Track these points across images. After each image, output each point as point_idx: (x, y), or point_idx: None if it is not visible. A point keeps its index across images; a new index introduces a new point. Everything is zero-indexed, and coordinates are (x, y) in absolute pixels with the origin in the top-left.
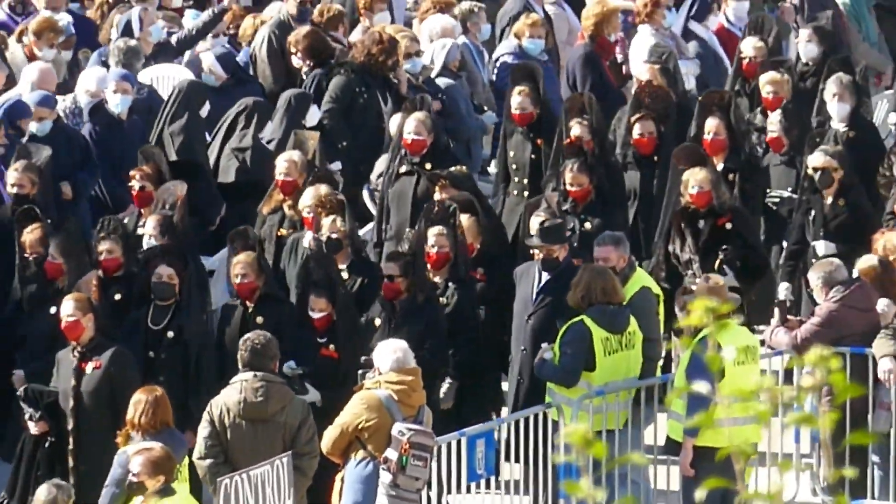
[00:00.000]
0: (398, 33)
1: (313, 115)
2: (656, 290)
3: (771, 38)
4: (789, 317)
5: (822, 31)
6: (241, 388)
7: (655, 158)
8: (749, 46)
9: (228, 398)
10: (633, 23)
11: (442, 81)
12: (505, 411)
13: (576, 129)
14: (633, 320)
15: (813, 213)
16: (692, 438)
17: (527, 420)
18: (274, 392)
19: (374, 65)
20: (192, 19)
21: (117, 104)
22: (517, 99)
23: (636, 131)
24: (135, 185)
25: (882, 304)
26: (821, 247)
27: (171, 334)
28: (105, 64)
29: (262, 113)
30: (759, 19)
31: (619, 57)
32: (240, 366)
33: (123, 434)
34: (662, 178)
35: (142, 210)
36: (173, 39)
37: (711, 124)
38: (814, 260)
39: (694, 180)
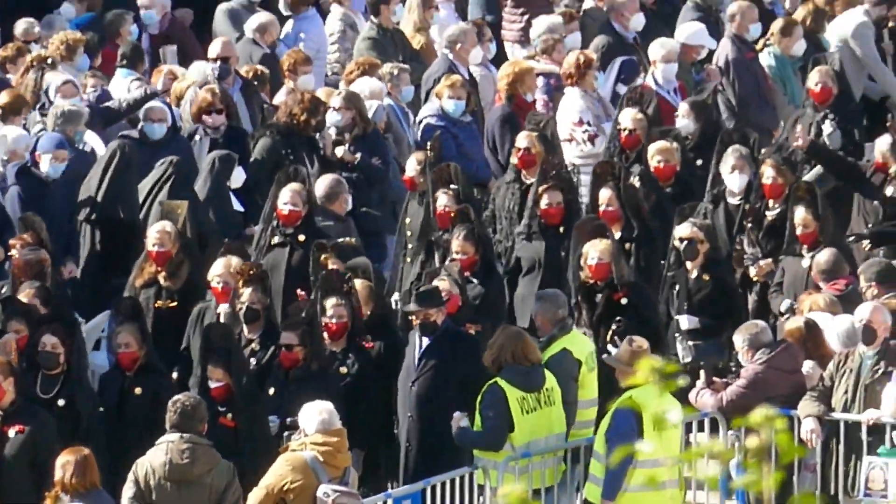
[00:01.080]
0: (323, 93)
1: (238, 177)
2: (580, 354)
3: (650, 109)
4: (715, 378)
5: (699, 106)
6: (168, 449)
7: (562, 229)
8: (627, 118)
9: (154, 459)
10: (555, 85)
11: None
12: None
13: (442, 198)
14: (550, 377)
15: (677, 286)
16: (609, 502)
17: (453, 482)
18: (200, 454)
19: (297, 126)
20: (123, 77)
21: (50, 169)
22: (412, 163)
23: (544, 201)
24: (14, 253)
25: (808, 365)
26: (683, 321)
27: (61, 403)
28: (25, 126)
29: (185, 172)
30: (638, 91)
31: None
32: (167, 427)
33: (52, 496)
34: (568, 249)
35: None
36: (110, 103)
37: (605, 195)
38: (677, 334)
39: (594, 251)
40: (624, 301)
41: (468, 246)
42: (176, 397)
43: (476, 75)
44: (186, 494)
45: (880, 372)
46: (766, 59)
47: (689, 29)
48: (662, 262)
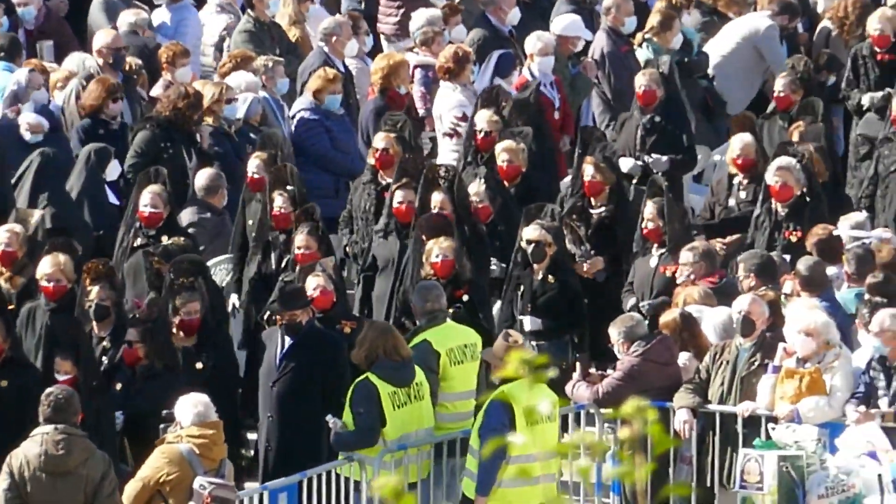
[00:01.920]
0: (207, 84)
1: (114, 169)
2: (441, 346)
3: (506, 110)
4: (590, 371)
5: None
6: (42, 440)
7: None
8: (483, 119)
9: (28, 451)
10: (433, 77)
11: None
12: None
13: (277, 199)
14: (419, 372)
15: (522, 287)
16: (483, 497)
17: (328, 474)
18: (75, 445)
19: (180, 119)
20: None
21: None
22: (254, 162)
23: (396, 200)
24: None
25: (683, 357)
26: (527, 322)
27: None
28: None
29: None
30: (493, 91)
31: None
32: (41, 420)
33: None
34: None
35: None
36: None
37: (437, 199)
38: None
39: (438, 249)
40: (465, 298)
41: (311, 241)
42: (49, 390)
43: (352, 68)
44: (62, 486)
45: (756, 364)
46: (643, 53)
47: (563, 21)
48: (503, 264)
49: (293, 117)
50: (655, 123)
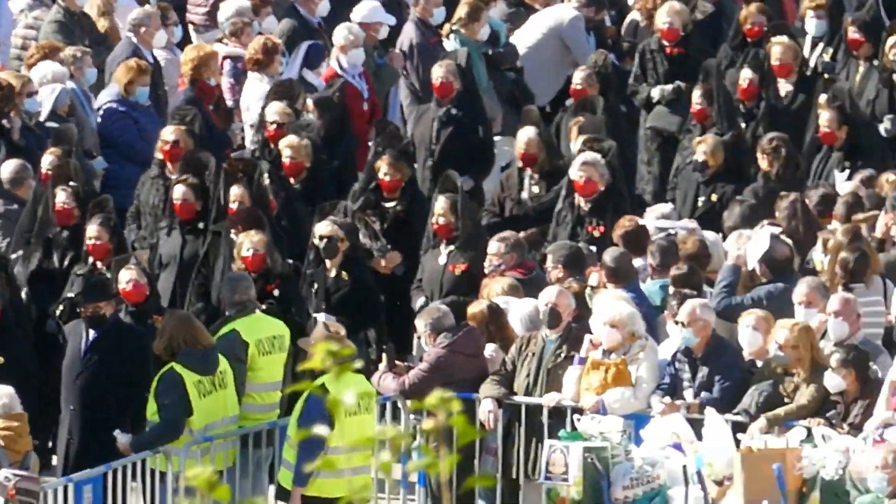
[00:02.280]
0: (12, 76)
1: None
2: (250, 336)
3: (299, 103)
4: (397, 362)
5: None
6: None
7: (201, 225)
8: (273, 111)
9: None
10: (242, 68)
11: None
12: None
13: (60, 195)
14: (223, 360)
15: (316, 284)
16: (300, 488)
17: (134, 466)
18: None
19: None
20: None
21: None
22: (48, 158)
23: (175, 195)
24: None
25: (490, 349)
26: (321, 317)
27: None
28: None
29: None
30: (288, 83)
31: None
32: None
33: None
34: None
35: None
36: None
37: (236, 193)
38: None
39: (249, 242)
40: (276, 293)
41: (103, 232)
42: None
43: (161, 59)
44: None
45: (563, 356)
46: (451, 44)
47: (364, 8)
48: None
49: (100, 108)
50: (451, 115)
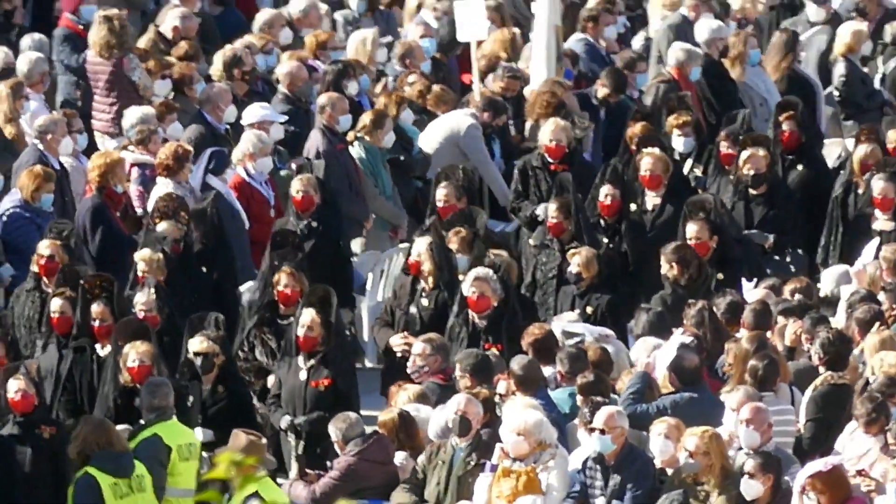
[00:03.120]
0: None
1: None
2: (172, 441)
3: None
4: (307, 470)
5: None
6: None
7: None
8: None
9: None
10: (150, 175)
11: None
12: None
13: None
14: (139, 465)
15: (191, 398)
16: None
17: None
18: None
19: None
20: None
21: None
22: None
23: (52, 308)
24: None
25: (400, 457)
26: (198, 433)
27: None
28: None
29: None
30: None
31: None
32: None
33: None
34: None
35: None
36: None
37: (96, 310)
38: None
39: (135, 354)
40: None
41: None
42: None
43: (67, 165)
44: None
45: (472, 464)
46: (356, 151)
47: (253, 109)
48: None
49: (3, 214)
50: (312, 229)
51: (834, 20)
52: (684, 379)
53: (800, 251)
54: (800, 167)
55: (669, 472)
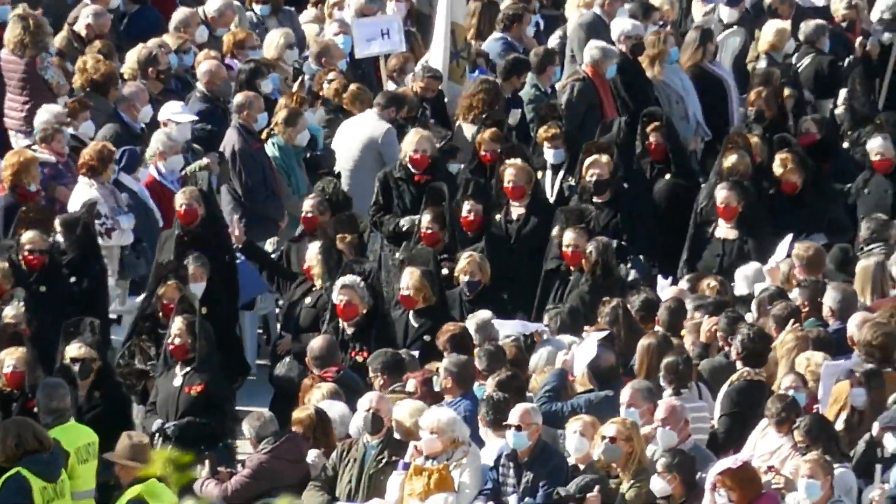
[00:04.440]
0: None
1: None
2: (70, 445)
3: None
4: (219, 468)
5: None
6: None
7: None
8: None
9: None
10: (49, 174)
11: None
12: None
13: None
14: (63, 471)
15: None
16: None
17: None
18: None
19: None
20: None
21: None
22: None
23: None
24: None
25: (312, 454)
26: None
27: None
28: None
29: None
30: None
31: None
32: None
33: None
34: None
35: None
36: None
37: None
38: None
39: (10, 360)
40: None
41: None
42: None
43: None
44: None
45: (384, 461)
46: (270, 150)
47: (170, 108)
48: None
49: None
50: (197, 236)
51: (746, 20)
52: (601, 377)
53: (641, 258)
54: (667, 176)
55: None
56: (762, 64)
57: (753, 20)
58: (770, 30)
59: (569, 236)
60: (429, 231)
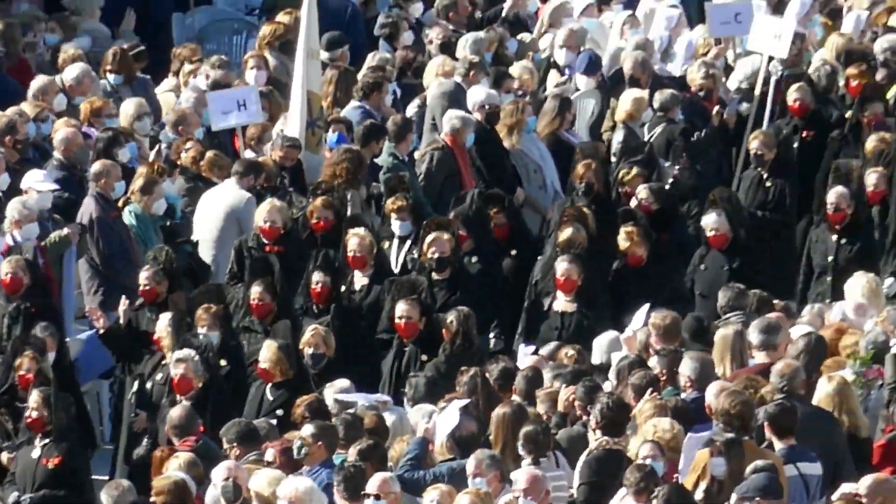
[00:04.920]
0: None
1: None
2: None
3: None
4: None
5: None
6: None
7: None
8: None
9: None
10: None
11: None
12: None
13: None
14: None
15: None
16: None
17: None
18: None
19: None
20: None
21: None
22: None
23: None
24: None
25: None
26: None
27: None
28: None
29: None
30: None
31: None
32: None
33: None
34: None
35: None
36: None
37: None
38: None
39: None
40: None
41: None
42: None
43: None
44: None
45: None
46: (127, 218)
47: (33, 177)
48: None
49: None
50: (21, 311)
51: (603, 89)
52: (462, 446)
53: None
54: (512, 254)
55: None
56: (619, 134)
57: (612, 88)
58: (627, 98)
59: (401, 308)
60: (259, 303)
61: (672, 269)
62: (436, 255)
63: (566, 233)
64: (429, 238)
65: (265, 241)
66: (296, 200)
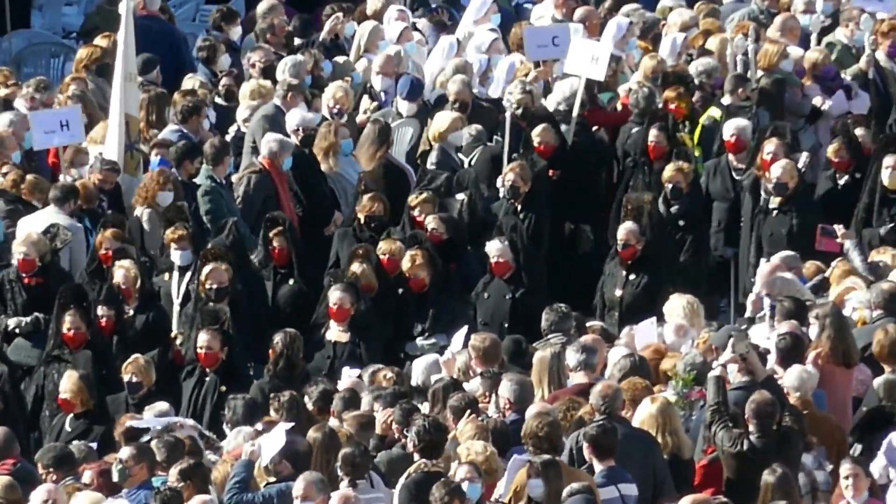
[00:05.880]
0: None
1: None
2: None
3: None
4: None
5: None
6: None
7: None
8: None
9: None
10: None
11: None
12: None
13: None
14: None
15: None
16: None
17: None
18: None
19: None
20: None
21: None
22: None
23: None
24: None
25: None
26: None
27: None
28: None
29: None
30: None
31: None
32: None
33: None
34: None
35: None
36: None
37: None
38: None
39: None
40: None
41: None
42: None
43: None
44: None
45: None
46: None
47: None
48: None
49: None
50: None
51: (423, 113)
52: (297, 466)
53: None
54: (291, 282)
55: None
56: (433, 155)
57: (433, 111)
58: (444, 120)
59: (202, 338)
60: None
61: (456, 296)
62: (214, 286)
63: (354, 267)
64: (206, 269)
65: (23, 273)
66: (61, 232)
